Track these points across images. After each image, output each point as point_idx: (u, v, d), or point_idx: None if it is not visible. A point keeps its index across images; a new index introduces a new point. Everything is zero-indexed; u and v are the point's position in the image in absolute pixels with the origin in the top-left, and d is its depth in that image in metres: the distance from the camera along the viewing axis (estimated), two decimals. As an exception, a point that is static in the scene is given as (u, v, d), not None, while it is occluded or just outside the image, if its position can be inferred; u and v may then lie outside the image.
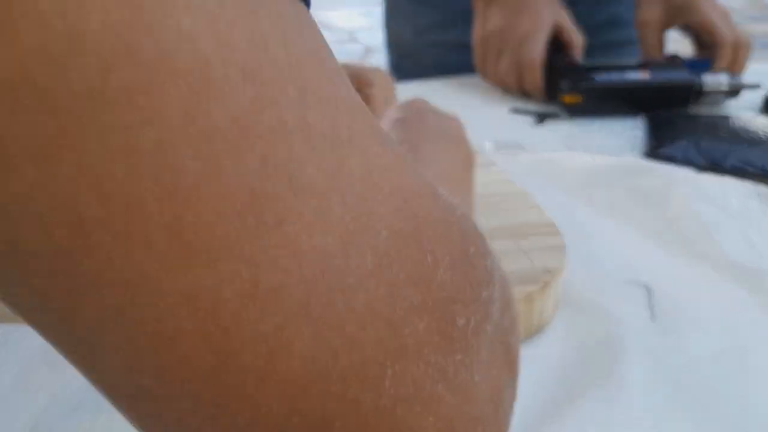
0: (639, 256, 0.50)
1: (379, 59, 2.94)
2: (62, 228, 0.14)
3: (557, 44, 0.80)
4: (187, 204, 0.14)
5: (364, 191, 0.17)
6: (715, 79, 0.73)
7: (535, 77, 0.77)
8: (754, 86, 0.76)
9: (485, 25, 0.82)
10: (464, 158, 0.39)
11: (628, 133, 0.69)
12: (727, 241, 0.50)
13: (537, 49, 0.78)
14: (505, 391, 0.21)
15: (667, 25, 0.81)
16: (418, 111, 0.41)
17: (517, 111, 0.73)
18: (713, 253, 0.49)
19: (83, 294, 0.14)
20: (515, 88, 0.80)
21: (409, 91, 0.84)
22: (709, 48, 0.79)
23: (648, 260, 0.50)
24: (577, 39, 0.81)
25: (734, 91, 0.74)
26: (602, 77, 0.71)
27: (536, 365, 0.41)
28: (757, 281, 0.47)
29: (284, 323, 0.15)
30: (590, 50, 0.88)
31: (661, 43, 0.82)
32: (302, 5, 0.17)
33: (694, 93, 0.72)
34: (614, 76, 0.72)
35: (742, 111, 0.75)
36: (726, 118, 0.70)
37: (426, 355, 0.17)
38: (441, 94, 0.81)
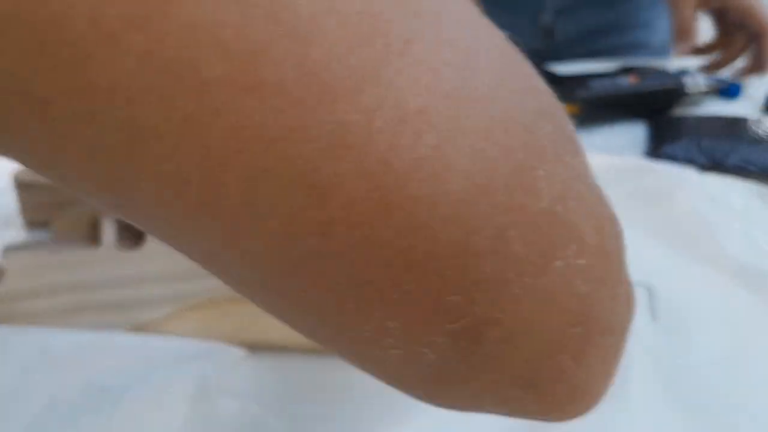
0: (640, 256, 0.50)
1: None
2: (185, 96, 0.13)
3: None
4: (311, 40, 0.13)
5: (470, 15, 0.17)
6: (694, 81, 0.74)
7: None
8: (733, 85, 0.76)
9: None
10: None
11: (629, 133, 0.69)
12: (730, 242, 0.49)
13: None
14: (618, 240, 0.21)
15: (703, 4, 0.79)
16: None
17: None
18: (715, 253, 0.49)
19: (224, 162, 0.13)
20: None
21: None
22: (738, 32, 0.77)
23: (649, 260, 0.49)
24: None
25: (713, 91, 0.75)
26: (597, 85, 0.71)
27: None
28: (759, 281, 0.47)
29: (440, 142, 0.14)
30: (591, 55, 0.87)
31: (693, 21, 0.79)
32: None
33: (678, 96, 0.73)
34: (608, 83, 0.72)
35: (743, 110, 0.75)
36: (727, 117, 0.70)
37: (562, 156, 0.17)
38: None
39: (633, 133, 0.69)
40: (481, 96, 0.15)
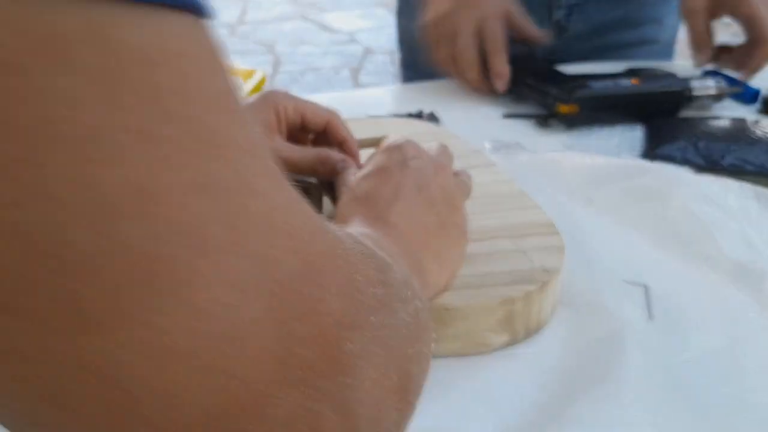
0: (637, 255, 0.50)
1: (378, 60, 2.93)
2: None
3: (510, 34, 0.78)
4: (83, 278, 0.14)
5: (261, 236, 0.17)
6: (703, 84, 0.74)
7: (502, 60, 0.75)
8: (738, 90, 0.76)
9: (436, 8, 0.80)
10: (438, 216, 0.39)
11: (627, 134, 0.69)
12: (726, 241, 0.50)
13: (498, 31, 0.76)
14: (389, 413, 0.22)
15: (713, 14, 0.79)
16: (401, 161, 0.40)
17: (509, 116, 0.73)
18: (712, 252, 0.49)
19: None
20: (475, 76, 0.77)
21: (404, 92, 0.84)
22: (753, 41, 0.77)
23: (646, 260, 0.50)
24: (531, 28, 0.79)
25: (721, 95, 0.75)
26: (597, 86, 0.71)
27: (535, 364, 0.41)
28: (755, 281, 0.47)
29: (182, 378, 0.15)
30: (602, 51, 0.87)
31: (709, 32, 0.79)
32: (203, 29, 0.16)
33: (685, 98, 0.73)
34: (609, 84, 0.72)
35: (740, 111, 0.75)
36: (724, 118, 0.71)
37: (312, 381, 0.18)
38: (435, 99, 0.82)
39: (631, 135, 0.69)
40: (240, 334, 0.16)
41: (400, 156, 0.41)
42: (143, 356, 0.15)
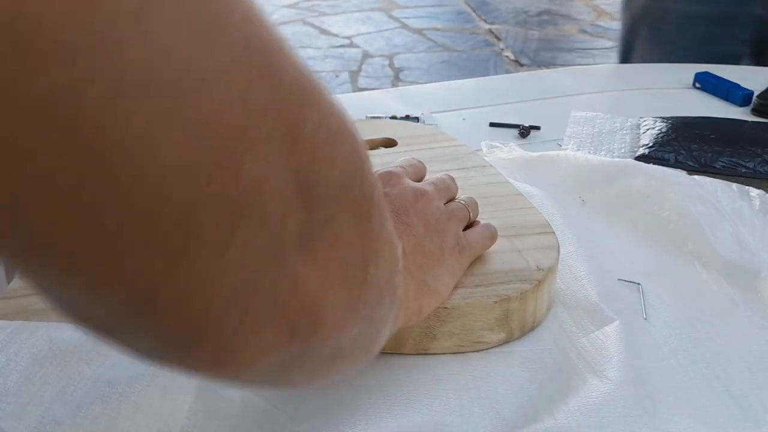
0: (631, 255, 0.51)
1: (377, 64, 2.94)
2: None
3: None
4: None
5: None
6: None
7: None
8: None
9: None
10: (416, 239, 0.39)
11: (620, 136, 0.70)
12: (719, 241, 0.50)
13: None
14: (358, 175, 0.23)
15: None
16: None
17: (495, 125, 0.74)
18: (705, 252, 0.50)
19: None
20: None
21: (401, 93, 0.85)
22: None
23: (640, 259, 0.50)
24: None
25: None
26: None
27: (531, 361, 0.41)
28: (747, 280, 0.48)
29: (154, 121, 0.15)
30: None
31: None
32: None
33: None
34: None
35: (733, 113, 0.76)
36: (717, 120, 0.71)
37: (275, 152, 0.18)
38: (432, 102, 0.82)
39: (624, 137, 0.70)
40: (206, 82, 0.16)
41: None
42: (110, 94, 0.14)
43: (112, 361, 0.37)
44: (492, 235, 0.45)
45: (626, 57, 1.02)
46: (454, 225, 0.42)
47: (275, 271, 0.20)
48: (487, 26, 3.21)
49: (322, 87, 0.21)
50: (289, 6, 3.68)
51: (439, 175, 0.46)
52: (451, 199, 0.45)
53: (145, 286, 0.17)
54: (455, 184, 0.46)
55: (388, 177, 0.42)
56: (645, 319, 0.45)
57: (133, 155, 0.15)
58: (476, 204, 0.46)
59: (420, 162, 0.48)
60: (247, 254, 0.18)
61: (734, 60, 0.89)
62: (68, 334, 0.37)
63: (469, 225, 0.45)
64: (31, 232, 0.15)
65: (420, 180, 0.46)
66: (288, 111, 0.19)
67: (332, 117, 0.21)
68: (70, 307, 0.19)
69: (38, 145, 0.14)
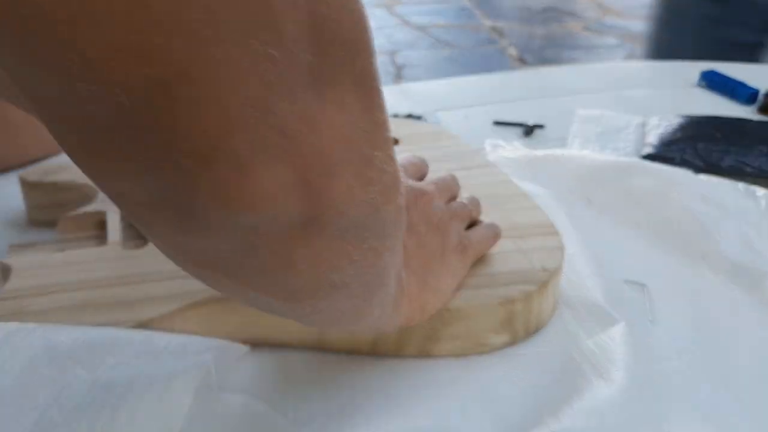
0: (637, 256, 0.50)
1: (378, 61, 2.95)
2: None
3: None
4: None
5: None
6: None
7: None
8: None
9: None
10: (418, 238, 0.39)
11: (625, 135, 0.70)
12: (725, 241, 0.50)
13: None
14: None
15: None
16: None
17: (499, 123, 0.73)
18: (711, 253, 0.50)
19: None
20: None
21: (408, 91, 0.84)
22: None
23: (646, 260, 0.50)
24: None
25: None
26: None
27: (535, 364, 0.41)
28: (754, 280, 0.47)
29: None
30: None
31: None
32: None
33: None
34: None
35: (739, 111, 0.75)
36: (723, 119, 0.71)
37: None
38: (435, 100, 0.82)
39: (629, 136, 0.69)
40: None
41: None
42: None
43: (110, 364, 0.36)
44: (495, 235, 0.44)
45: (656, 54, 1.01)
46: (455, 224, 0.42)
47: (289, 95, 0.20)
48: (491, 23, 3.21)
49: None
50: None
51: (440, 173, 0.45)
52: (453, 198, 0.44)
53: (165, 74, 0.17)
54: (457, 183, 0.46)
55: None
56: (651, 320, 0.44)
57: None
58: (478, 203, 0.45)
59: (421, 159, 0.47)
60: (264, 59, 0.19)
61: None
62: (64, 336, 0.37)
63: (472, 224, 0.44)
64: None
65: (421, 178, 0.46)
66: None
67: None
68: (80, 110, 0.18)
69: None
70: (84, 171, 0.21)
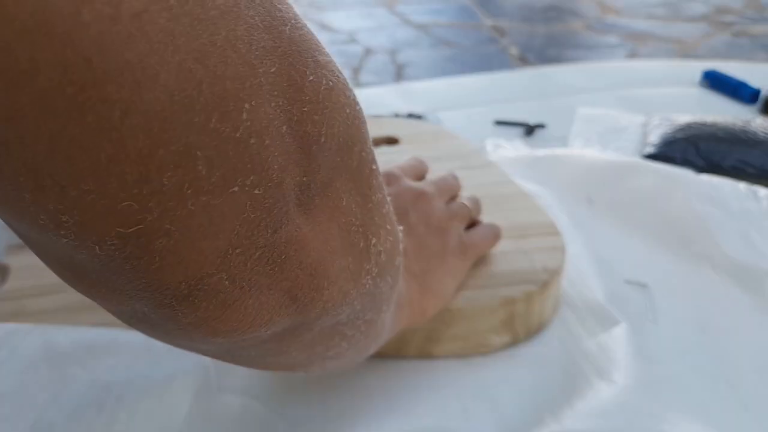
0: (638, 256, 0.50)
1: (379, 60, 2.94)
2: None
3: None
4: None
5: None
6: None
7: None
8: None
9: None
10: (418, 239, 0.39)
11: (627, 134, 0.69)
12: (727, 242, 0.50)
13: None
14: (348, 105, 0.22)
15: None
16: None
17: (500, 123, 0.73)
18: (713, 253, 0.50)
19: None
20: None
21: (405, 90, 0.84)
22: None
23: (647, 260, 0.50)
24: None
25: None
26: None
27: (536, 364, 0.41)
28: (756, 281, 0.47)
29: (150, 51, 0.15)
30: None
31: None
32: None
33: None
34: None
35: (740, 111, 0.75)
36: (724, 119, 0.71)
37: (276, 97, 0.18)
38: (435, 99, 0.82)
39: (630, 136, 0.69)
40: (207, 19, 0.16)
41: None
42: (106, 19, 0.14)
43: (109, 365, 0.36)
44: (495, 235, 0.44)
45: None
46: (455, 224, 0.42)
47: (274, 225, 0.19)
48: (492, 22, 3.20)
49: (319, 43, 0.21)
50: (290, 1, 3.67)
51: (440, 173, 0.45)
52: (454, 198, 0.44)
53: (141, 233, 0.17)
54: (458, 182, 0.46)
55: (386, 178, 0.41)
56: (652, 321, 0.44)
57: (122, 86, 0.15)
58: (479, 203, 0.45)
59: (420, 161, 0.47)
60: (246, 201, 0.18)
61: None
62: (63, 336, 0.37)
63: (473, 224, 0.44)
64: (22, 166, 0.15)
65: (421, 179, 0.45)
66: (291, 59, 0.19)
67: (331, 74, 0.21)
68: (63, 252, 0.18)
69: (35, 63, 0.14)
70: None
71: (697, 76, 0.83)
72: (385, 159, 0.47)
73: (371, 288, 0.25)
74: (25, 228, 0.17)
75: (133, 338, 0.37)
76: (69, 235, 0.16)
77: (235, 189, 0.18)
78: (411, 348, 0.41)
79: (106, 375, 0.36)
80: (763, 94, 0.77)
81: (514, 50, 2.90)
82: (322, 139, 0.20)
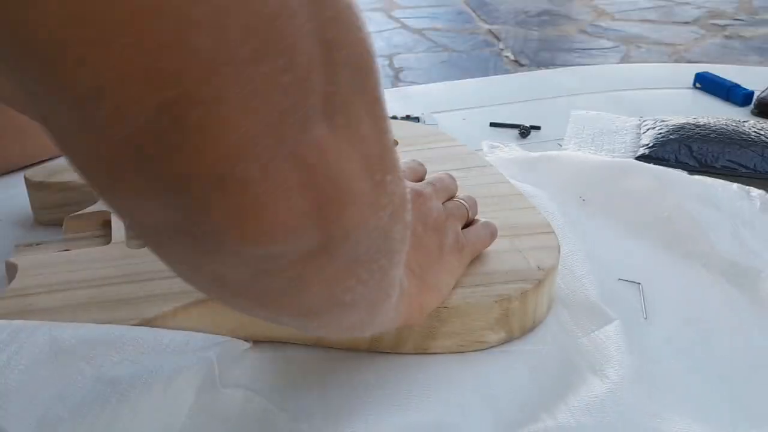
0: (632, 255, 0.51)
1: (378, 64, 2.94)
2: None
3: None
4: None
5: None
6: None
7: None
8: None
9: None
10: (416, 238, 0.39)
11: (621, 136, 0.70)
12: (720, 240, 0.50)
13: None
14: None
15: None
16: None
17: (496, 125, 0.74)
18: (705, 251, 0.50)
19: None
20: None
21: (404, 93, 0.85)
22: None
23: (641, 259, 0.50)
24: None
25: None
26: None
27: (531, 361, 0.41)
28: (748, 279, 0.48)
29: None
30: None
31: None
32: None
33: None
34: None
35: (733, 112, 0.76)
36: (717, 120, 0.71)
37: None
38: (431, 103, 0.82)
39: (624, 137, 0.70)
40: None
41: None
42: None
43: (113, 361, 0.37)
44: (491, 234, 0.45)
45: None
46: (452, 224, 0.42)
47: (302, 123, 0.20)
48: (487, 26, 3.21)
49: None
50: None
51: (437, 174, 0.46)
52: (451, 198, 0.45)
53: (176, 98, 0.17)
54: (454, 182, 0.46)
55: None
56: (645, 318, 0.45)
57: None
58: (475, 202, 0.46)
59: (418, 163, 0.48)
60: (277, 85, 0.19)
61: None
62: (69, 333, 0.37)
63: (469, 223, 0.45)
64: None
65: (420, 181, 0.46)
66: None
67: (353, 5, 0.22)
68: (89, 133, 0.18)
69: None
70: (101, 196, 0.21)
71: (690, 78, 0.84)
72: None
73: (386, 226, 0.26)
74: (57, 105, 0.18)
75: (138, 335, 0.38)
76: (110, 106, 0.17)
77: (266, 70, 0.18)
78: (408, 344, 0.41)
79: (112, 371, 0.37)
80: (755, 95, 0.78)
81: (509, 54, 2.91)
82: (343, 51, 0.21)
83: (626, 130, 0.71)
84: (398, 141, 0.61)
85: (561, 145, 0.69)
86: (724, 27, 2.95)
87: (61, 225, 0.49)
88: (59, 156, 0.60)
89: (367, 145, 0.24)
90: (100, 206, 0.50)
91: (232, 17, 0.17)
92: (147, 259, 0.43)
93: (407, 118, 0.73)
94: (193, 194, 0.19)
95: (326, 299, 0.27)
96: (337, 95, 0.21)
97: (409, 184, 0.42)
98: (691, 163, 0.63)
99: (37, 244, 0.47)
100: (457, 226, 0.43)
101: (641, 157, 0.64)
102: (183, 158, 0.18)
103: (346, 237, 0.24)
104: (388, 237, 0.27)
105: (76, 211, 0.49)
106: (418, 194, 0.41)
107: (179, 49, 0.17)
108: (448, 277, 0.41)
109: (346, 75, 0.21)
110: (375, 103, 0.24)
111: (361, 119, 0.23)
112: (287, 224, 0.21)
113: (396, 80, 2.71)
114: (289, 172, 0.20)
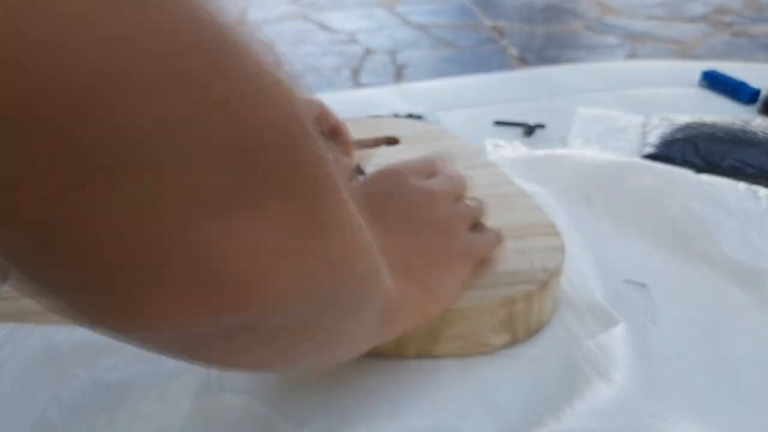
0: (638, 256, 0.50)
1: (378, 61, 2.94)
2: None
3: None
4: None
5: None
6: None
7: None
8: None
9: None
10: (423, 241, 0.39)
11: (626, 134, 0.69)
12: (726, 241, 0.50)
13: None
14: None
15: None
16: (386, 192, 0.40)
17: (500, 123, 0.73)
18: (712, 252, 0.50)
19: None
20: None
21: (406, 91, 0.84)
22: None
23: (647, 260, 0.50)
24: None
25: None
26: None
27: (535, 364, 0.41)
28: (755, 280, 0.47)
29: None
30: None
31: None
32: None
33: None
34: None
35: (740, 111, 0.75)
36: (723, 119, 0.71)
37: (197, 84, 0.18)
38: (435, 100, 0.82)
39: (629, 136, 0.69)
40: None
41: (383, 185, 0.41)
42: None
43: (109, 365, 0.36)
44: (498, 242, 0.44)
45: None
46: (461, 227, 0.42)
47: (189, 225, 0.19)
48: (491, 23, 3.21)
49: (263, 41, 0.21)
50: (289, 2, 3.68)
51: (448, 171, 0.45)
52: (459, 198, 0.44)
53: (45, 218, 0.17)
54: (464, 181, 0.46)
55: (392, 177, 0.41)
56: (651, 321, 0.44)
57: (47, 58, 0.15)
58: (484, 205, 0.45)
59: (432, 162, 0.46)
60: (148, 198, 0.18)
61: None
62: (64, 336, 0.37)
63: (476, 226, 0.44)
64: None
65: (431, 176, 0.45)
66: (213, 51, 0.19)
67: (263, 76, 0.20)
68: None
69: None
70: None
71: (696, 76, 0.83)
72: (385, 159, 0.47)
73: (325, 292, 0.25)
74: None
75: (134, 338, 0.37)
76: None
77: (147, 180, 0.17)
78: (411, 348, 0.41)
79: (107, 374, 0.36)
80: (762, 94, 0.77)
81: (513, 51, 2.91)
82: (251, 140, 0.19)
83: (632, 128, 0.70)
84: (400, 139, 0.60)
85: (566, 144, 0.68)
86: (730, 24, 2.94)
87: None
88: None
89: (288, 219, 0.22)
90: None
91: (103, 136, 0.16)
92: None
93: (410, 116, 0.72)
94: (82, 301, 0.19)
95: (272, 357, 0.27)
96: (240, 186, 0.19)
97: (418, 184, 0.42)
98: (697, 162, 0.63)
99: None
100: (465, 229, 0.42)
101: (647, 156, 0.64)
102: (64, 271, 0.18)
103: (265, 312, 0.22)
104: (331, 299, 0.26)
105: None
106: (426, 195, 0.41)
107: (49, 172, 0.16)
108: (455, 283, 0.40)
109: (258, 160, 0.20)
110: (301, 174, 0.22)
111: (278, 207, 0.21)
112: (167, 310, 0.20)
113: (398, 77, 2.71)
114: (169, 266, 0.19)
